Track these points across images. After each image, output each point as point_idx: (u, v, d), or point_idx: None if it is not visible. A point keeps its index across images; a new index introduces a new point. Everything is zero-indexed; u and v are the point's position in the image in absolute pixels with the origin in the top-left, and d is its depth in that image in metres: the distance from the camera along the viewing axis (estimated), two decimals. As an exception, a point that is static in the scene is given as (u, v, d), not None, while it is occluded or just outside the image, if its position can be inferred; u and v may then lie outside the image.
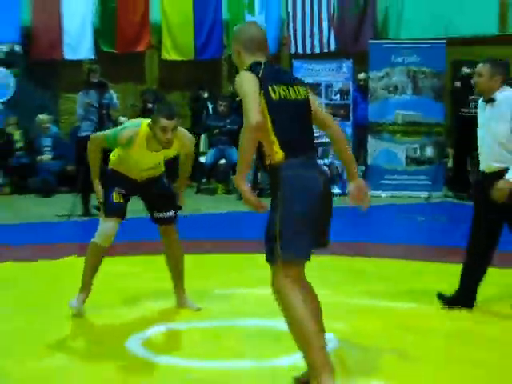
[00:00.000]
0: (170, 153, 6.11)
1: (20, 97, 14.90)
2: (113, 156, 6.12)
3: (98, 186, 6.10)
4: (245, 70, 4.33)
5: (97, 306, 6.17)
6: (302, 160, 4.27)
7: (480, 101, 6.24)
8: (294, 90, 4.38)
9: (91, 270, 6.06)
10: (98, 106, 11.24)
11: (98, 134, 6.24)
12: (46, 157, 13.93)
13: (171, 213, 6.21)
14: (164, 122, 5.68)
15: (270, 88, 4.27)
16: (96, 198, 6.25)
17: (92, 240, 6.04)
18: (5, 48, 14.74)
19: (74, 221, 10.92)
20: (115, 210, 6.02)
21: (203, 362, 4.98)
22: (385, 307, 6.33)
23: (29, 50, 14.90)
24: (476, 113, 12.57)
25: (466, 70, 13.30)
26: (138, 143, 5.83)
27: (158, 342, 5.49)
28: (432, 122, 13.50)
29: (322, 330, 4.55)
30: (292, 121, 4.31)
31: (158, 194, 6.21)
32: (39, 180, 13.83)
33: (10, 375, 4.79)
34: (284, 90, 4.32)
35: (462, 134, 13.11)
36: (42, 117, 14.29)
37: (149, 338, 5.53)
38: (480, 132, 6.22)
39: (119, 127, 6.08)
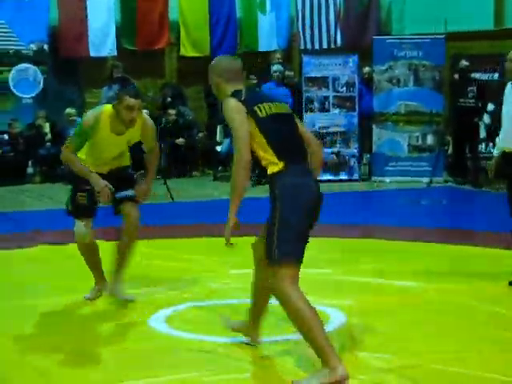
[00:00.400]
0: (134, 136, 5.76)
1: (48, 92, 14.97)
2: (80, 154, 5.69)
3: (94, 177, 5.56)
4: (229, 96, 4.34)
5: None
6: (298, 168, 4.28)
7: (509, 84, 6.31)
8: (278, 106, 4.41)
9: (91, 264, 5.97)
10: (121, 99, 11.22)
11: (64, 145, 5.73)
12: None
13: (130, 192, 5.85)
14: (130, 100, 5.43)
15: (255, 108, 4.29)
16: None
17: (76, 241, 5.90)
18: (34, 47, 14.80)
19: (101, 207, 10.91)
20: (81, 212, 5.79)
21: (223, 338, 4.99)
22: (390, 285, 6.33)
23: (56, 48, 14.91)
24: (472, 103, 12.77)
25: (464, 63, 13.27)
26: (103, 123, 5.53)
27: (181, 320, 5.48)
28: (432, 111, 13.46)
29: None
30: (284, 132, 4.34)
31: (118, 176, 5.81)
32: (67, 169, 13.84)
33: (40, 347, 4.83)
34: (270, 107, 4.33)
35: (460, 123, 13.08)
36: (70, 110, 14.31)
37: (171, 316, 5.54)
38: (505, 112, 6.32)
39: (80, 121, 5.89)
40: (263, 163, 4.29)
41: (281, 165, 4.23)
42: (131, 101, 5.44)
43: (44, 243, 8.09)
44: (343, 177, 13.61)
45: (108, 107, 5.62)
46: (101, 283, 6.00)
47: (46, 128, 14.20)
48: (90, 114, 5.64)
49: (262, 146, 4.27)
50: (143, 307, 5.76)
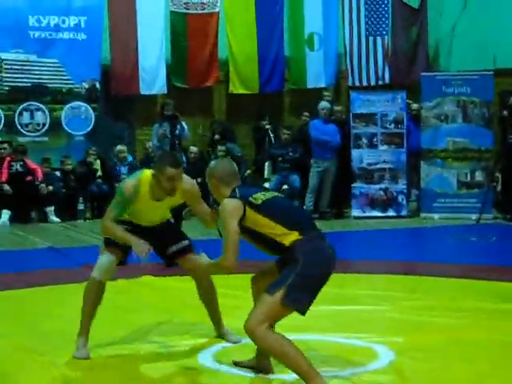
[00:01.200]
0: (175, 200, 5.56)
1: (99, 129, 15.19)
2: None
3: (132, 239, 5.29)
4: (227, 197, 4.63)
5: (170, 323, 6.22)
6: (312, 234, 4.58)
7: None
8: (269, 193, 4.75)
9: (92, 309, 5.48)
10: (170, 136, 11.38)
11: (105, 215, 5.47)
12: (121, 185, 14.05)
13: (186, 241, 5.68)
14: (171, 170, 5.23)
15: (251, 198, 4.57)
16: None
17: (91, 275, 5.52)
18: (86, 85, 15.03)
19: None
20: (115, 243, 5.43)
21: (265, 375, 4.97)
22: (441, 322, 6.24)
23: (107, 86, 15.13)
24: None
25: (513, 99, 13.21)
26: (142, 191, 5.37)
27: (229, 356, 5.46)
28: (481, 148, 13.37)
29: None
30: (285, 207, 4.69)
31: (163, 230, 5.65)
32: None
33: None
34: (263, 194, 4.64)
35: (509, 160, 12.97)
36: (120, 147, 14.49)
37: (220, 352, 5.53)
38: None
39: (117, 190, 5.51)
40: (278, 240, 4.51)
41: (295, 234, 4.50)
42: (172, 171, 5.25)
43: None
44: (391, 213, 13.54)
45: (147, 173, 5.43)
46: (85, 336, 5.47)
47: (97, 165, 14.36)
48: (129, 183, 5.44)
49: (270, 226, 4.52)
50: (192, 343, 5.75)
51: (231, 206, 4.56)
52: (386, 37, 16.36)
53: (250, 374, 5.00)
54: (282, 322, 6.13)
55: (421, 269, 8.92)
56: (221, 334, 5.81)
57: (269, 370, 4.95)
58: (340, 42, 16.37)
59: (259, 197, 4.61)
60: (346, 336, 5.82)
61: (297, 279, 4.38)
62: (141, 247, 5.19)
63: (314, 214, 13.46)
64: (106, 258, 5.46)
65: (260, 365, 4.98)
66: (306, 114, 14.38)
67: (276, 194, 4.81)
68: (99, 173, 14.33)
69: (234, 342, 5.68)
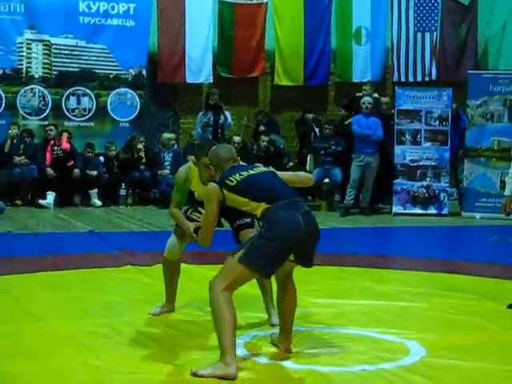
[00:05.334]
0: None
1: (144, 116, 15.28)
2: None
3: (188, 227, 5.84)
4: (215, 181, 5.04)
5: (204, 309, 6.25)
6: (281, 204, 4.85)
7: None
8: (251, 169, 5.06)
9: (169, 281, 6.22)
10: (213, 125, 11.41)
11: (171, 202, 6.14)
12: (165, 171, 14.16)
13: (248, 219, 5.92)
14: (207, 160, 5.48)
15: (227, 181, 4.93)
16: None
17: (163, 254, 6.17)
18: (133, 72, 15.12)
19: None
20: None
21: (297, 365, 4.98)
22: (477, 322, 6.19)
23: (154, 74, 15.21)
24: None
25: (560, 99, 13.03)
26: (193, 176, 5.84)
27: (260, 346, 5.47)
28: (526, 147, 13.21)
29: (290, 329, 5.26)
30: (256, 183, 4.95)
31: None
32: (159, 192, 14.08)
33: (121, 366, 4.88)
34: (240, 174, 4.97)
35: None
36: (169, 135, 14.57)
37: (251, 342, 5.53)
38: None
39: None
40: (253, 212, 4.95)
41: (263, 204, 4.86)
42: (207, 160, 5.45)
43: (132, 264, 8.22)
44: (432, 211, 13.45)
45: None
46: (170, 303, 6.26)
47: (141, 152, 14.44)
48: (180, 171, 6.00)
49: (245, 203, 4.92)
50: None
51: (210, 190, 4.98)
52: (435, 33, 16.22)
53: (279, 362, 5.03)
54: (324, 317, 6.20)
55: (460, 267, 8.85)
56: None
57: (287, 349, 5.22)
58: (387, 37, 16.28)
59: (235, 178, 4.94)
60: (379, 331, 5.80)
61: (256, 241, 4.78)
62: (192, 235, 5.75)
63: (354, 208, 13.43)
64: (170, 240, 6.09)
65: (280, 342, 5.28)
66: (343, 112, 14.36)
67: (257, 170, 5.09)
68: (143, 160, 14.40)
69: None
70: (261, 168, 5.22)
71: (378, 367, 4.90)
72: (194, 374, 4.64)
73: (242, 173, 5.01)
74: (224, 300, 4.69)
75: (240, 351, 5.20)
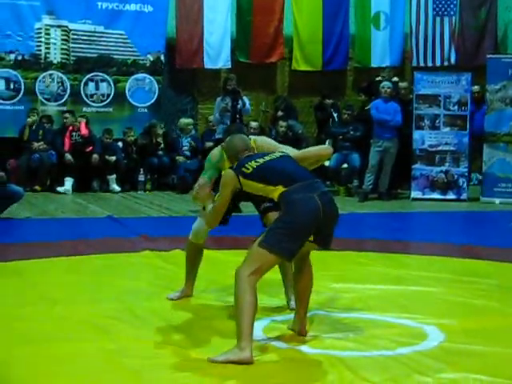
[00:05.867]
0: None
1: (162, 102, 15.27)
2: None
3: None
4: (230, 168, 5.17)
5: (222, 294, 6.25)
6: (298, 186, 4.88)
7: None
8: (267, 156, 5.11)
9: (190, 265, 6.20)
10: (232, 110, 11.38)
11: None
12: (182, 158, 14.15)
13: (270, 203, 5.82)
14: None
15: (243, 169, 5.01)
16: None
17: (188, 237, 6.15)
18: (151, 57, 15.12)
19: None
20: None
21: (315, 349, 4.96)
22: (497, 308, 6.14)
23: (172, 59, 15.19)
24: None
25: None
26: (225, 159, 5.74)
27: (277, 330, 5.45)
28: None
29: (305, 313, 5.28)
30: (272, 168, 5.00)
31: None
32: (178, 178, 14.08)
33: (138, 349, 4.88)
34: (256, 161, 5.03)
35: None
36: (187, 120, 14.56)
37: (269, 326, 5.52)
38: None
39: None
40: (270, 196, 4.98)
41: (280, 187, 4.89)
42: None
43: (151, 249, 8.22)
44: (451, 196, 13.37)
45: None
46: (189, 288, 6.25)
47: (160, 137, 14.44)
48: (215, 151, 5.98)
49: (261, 188, 4.97)
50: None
51: (226, 177, 5.10)
52: (454, 17, 16.11)
53: (296, 347, 5.00)
54: (342, 301, 6.17)
55: (479, 252, 8.79)
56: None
57: (301, 332, 5.26)
58: (406, 22, 16.17)
59: (251, 165, 5.01)
60: (397, 316, 5.77)
61: (274, 225, 4.84)
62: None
63: (373, 194, 13.37)
64: (196, 223, 6.09)
65: (294, 325, 5.32)
66: (362, 97, 14.28)
67: (273, 156, 5.13)
68: (161, 145, 14.40)
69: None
70: (277, 154, 5.23)
71: (395, 352, 4.85)
72: (211, 361, 4.63)
73: (258, 160, 5.07)
74: (248, 285, 4.70)
75: (258, 335, 5.19)
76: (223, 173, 5.23)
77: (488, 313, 6.01)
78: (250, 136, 5.79)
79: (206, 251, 6.40)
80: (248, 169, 5.02)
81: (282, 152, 5.29)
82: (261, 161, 5.05)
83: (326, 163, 14.14)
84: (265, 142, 5.86)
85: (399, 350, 4.89)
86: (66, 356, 4.73)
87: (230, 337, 4.97)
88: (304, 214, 4.79)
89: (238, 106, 11.49)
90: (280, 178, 4.94)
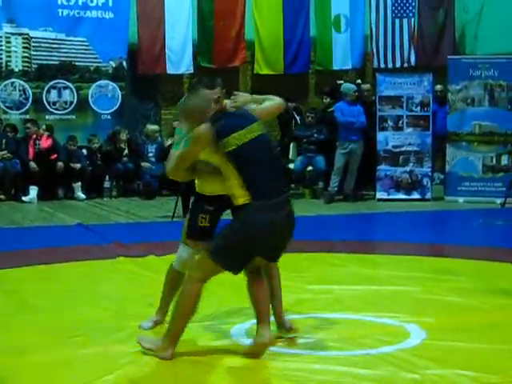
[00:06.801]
0: None
1: (125, 108, 15.25)
2: (197, 181, 5.24)
3: None
4: (207, 121, 4.58)
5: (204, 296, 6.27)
6: (265, 204, 4.53)
7: None
8: (250, 130, 4.58)
9: (169, 293, 5.43)
10: (198, 116, 11.41)
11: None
12: (147, 164, 14.14)
13: None
14: (206, 92, 4.81)
15: (225, 140, 4.50)
16: None
17: (172, 264, 5.42)
18: (113, 64, 15.09)
19: (176, 221, 11.10)
20: (197, 233, 5.19)
21: (300, 351, 5.02)
22: (471, 304, 6.26)
23: (134, 65, 15.18)
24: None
25: (539, 83, 13.14)
26: None
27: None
28: (507, 132, 13.32)
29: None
30: (256, 163, 4.56)
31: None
32: (143, 184, 14.07)
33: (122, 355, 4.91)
34: (240, 135, 4.52)
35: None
36: (152, 127, 14.56)
37: (253, 327, 5.56)
38: None
39: None
40: (230, 195, 4.64)
41: (247, 199, 4.55)
42: (207, 92, 4.79)
43: (125, 255, 8.23)
44: (416, 196, 13.53)
45: None
46: (162, 316, 5.51)
47: (124, 144, 14.42)
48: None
49: (227, 174, 4.58)
50: (226, 318, 5.81)
51: (201, 131, 4.57)
52: (413, 19, 16.31)
53: (280, 350, 5.04)
54: (320, 303, 6.23)
55: (447, 251, 8.96)
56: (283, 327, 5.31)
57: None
58: (366, 24, 16.34)
59: (233, 141, 4.52)
60: (377, 315, 5.86)
61: (224, 239, 4.63)
62: None
63: (339, 195, 13.49)
64: (183, 252, 5.29)
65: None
66: (326, 99, 14.40)
67: (257, 129, 4.62)
68: (126, 151, 14.38)
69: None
70: (257, 130, 4.64)
71: (380, 351, 4.95)
72: (139, 341, 4.85)
73: (240, 132, 4.55)
74: (196, 291, 4.66)
75: (242, 338, 5.26)
76: (198, 127, 4.58)
77: (466, 310, 6.13)
78: None
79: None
80: (230, 144, 4.52)
81: (260, 129, 4.66)
82: (246, 135, 4.55)
83: (291, 166, 14.26)
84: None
85: (384, 349, 4.99)
86: (54, 364, 4.75)
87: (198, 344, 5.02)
88: (258, 238, 4.56)
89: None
90: (255, 185, 4.54)
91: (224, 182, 4.71)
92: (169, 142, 11.96)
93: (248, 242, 4.57)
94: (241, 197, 4.56)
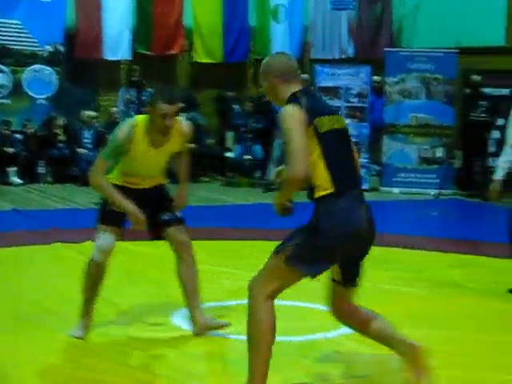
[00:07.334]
0: (175, 147, 5.10)
1: (62, 93, 15.06)
2: (111, 174, 5.00)
3: (127, 204, 4.84)
4: (288, 102, 3.86)
5: (144, 283, 6.28)
6: (348, 196, 3.84)
7: None
8: (337, 120, 3.95)
9: (92, 292, 5.11)
10: (137, 102, 11.39)
11: (93, 166, 4.94)
12: (84, 150, 13.99)
13: (180, 214, 5.21)
14: (164, 107, 4.77)
15: (317, 120, 3.81)
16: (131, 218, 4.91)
17: (89, 259, 5.10)
18: (49, 48, 14.89)
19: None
20: (111, 219, 5.00)
21: (243, 336, 5.06)
22: (407, 292, 6.40)
23: (71, 50, 15.01)
24: (483, 118, 12.85)
25: (475, 77, 13.38)
26: (138, 135, 4.87)
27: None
28: (443, 125, 13.57)
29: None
30: (341, 153, 3.91)
31: (161, 196, 5.23)
32: (79, 170, 13.95)
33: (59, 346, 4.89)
34: (330, 121, 3.87)
35: (470, 137, 13.19)
36: (90, 113, 14.42)
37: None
38: None
39: (110, 137, 4.95)
40: (313, 183, 3.82)
41: (332, 190, 3.80)
42: (166, 107, 4.78)
43: (62, 241, 8.17)
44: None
45: (141, 117, 4.99)
46: (89, 319, 5.14)
47: (60, 129, 14.27)
48: (122, 128, 4.90)
49: (318, 166, 3.81)
50: (166, 305, 5.83)
51: (292, 111, 3.78)
52: (352, 11, 16.43)
53: (221, 334, 5.14)
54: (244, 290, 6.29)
55: (383, 240, 9.04)
56: (199, 324, 5.21)
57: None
58: (305, 15, 16.42)
59: (325, 122, 3.85)
60: (311, 302, 5.93)
61: (306, 238, 3.85)
62: (137, 216, 4.83)
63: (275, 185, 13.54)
64: (101, 239, 5.02)
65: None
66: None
67: (342, 122, 4.01)
68: (61, 137, 14.23)
69: (222, 326, 5.26)
70: (341, 120, 4.02)
71: (323, 336, 5.03)
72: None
73: (330, 117, 3.90)
74: (265, 311, 3.90)
75: (184, 324, 5.29)
76: (283, 109, 3.85)
77: (400, 298, 6.27)
78: None
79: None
80: (322, 126, 3.84)
81: (344, 125, 4.05)
82: (333, 123, 3.90)
83: (229, 154, 14.30)
84: None
85: (316, 336, 5.09)
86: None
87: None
88: (346, 230, 3.83)
89: (143, 98, 11.49)
90: (341, 175, 3.86)
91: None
92: None
93: (335, 235, 3.79)
94: (323, 188, 3.81)
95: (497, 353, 4.90)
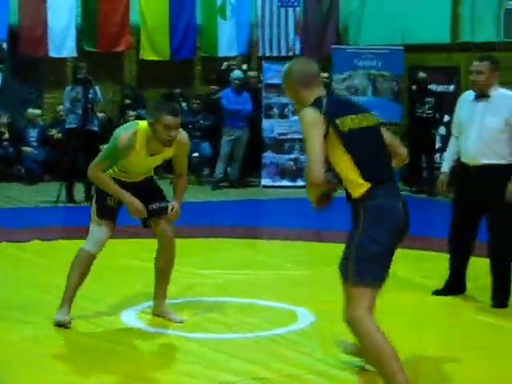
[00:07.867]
0: (168, 154, 5.30)
1: (6, 91, 14.85)
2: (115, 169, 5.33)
3: (125, 195, 5.20)
4: (308, 106, 3.94)
5: (93, 283, 6.23)
6: (385, 189, 3.92)
7: (471, 99, 6.06)
8: (362, 118, 3.99)
9: (79, 280, 5.33)
10: (83, 100, 11.29)
11: (93, 163, 5.26)
12: (29, 149, 13.82)
13: (167, 203, 5.40)
14: (168, 119, 4.96)
15: (337, 121, 3.89)
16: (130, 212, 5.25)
17: (82, 247, 5.35)
18: (-8, 45, 14.68)
19: (59, 207, 10.97)
20: (107, 214, 5.32)
21: (192, 334, 5.08)
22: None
23: (15, 47, 14.81)
24: (429, 114, 12.98)
25: (421, 74, 13.50)
26: (139, 144, 5.10)
27: (151, 315, 5.54)
28: (390, 121, 13.65)
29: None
30: (369, 149, 3.95)
31: (147, 187, 5.44)
32: (24, 168, 13.79)
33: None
34: (352, 120, 3.93)
35: (417, 133, 13.30)
36: (34, 111, 14.25)
37: (142, 311, 5.59)
38: (470, 127, 6.03)
39: (111, 139, 5.15)
40: (346, 184, 3.93)
41: (366, 186, 3.87)
42: (169, 119, 4.97)
43: (7, 240, 8.07)
44: (300, 183, 13.70)
45: (142, 125, 5.14)
46: (69, 307, 5.31)
47: (3, 127, 14.08)
48: (124, 134, 5.10)
49: (346, 164, 3.90)
50: (115, 304, 5.79)
51: (311, 115, 3.87)
52: (298, 8, 16.48)
53: (175, 332, 5.13)
54: (210, 287, 6.29)
55: (331, 236, 9.11)
56: (161, 313, 5.46)
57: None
58: (252, 12, 16.43)
59: (347, 122, 3.92)
60: (267, 299, 5.97)
61: (365, 249, 3.86)
62: (136, 206, 5.16)
63: (224, 182, 13.55)
64: (96, 231, 5.31)
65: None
66: (214, 87, 14.42)
67: (370, 119, 4.05)
68: (6, 135, 14.05)
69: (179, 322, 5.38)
70: (369, 118, 4.07)
71: (271, 333, 5.05)
72: None
73: (352, 117, 3.97)
74: (373, 329, 3.87)
75: (134, 322, 5.27)
76: (302, 112, 3.94)
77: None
78: None
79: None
80: (344, 125, 3.91)
81: (375, 122, 4.10)
82: (357, 121, 3.97)
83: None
84: None
85: (275, 331, 5.09)
86: None
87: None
88: (389, 228, 3.90)
89: (90, 96, 11.37)
90: (372, 170, 3.91)
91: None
92: None
93: (388, 232, 3.87)
94: (356, 183, 3.86)
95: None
